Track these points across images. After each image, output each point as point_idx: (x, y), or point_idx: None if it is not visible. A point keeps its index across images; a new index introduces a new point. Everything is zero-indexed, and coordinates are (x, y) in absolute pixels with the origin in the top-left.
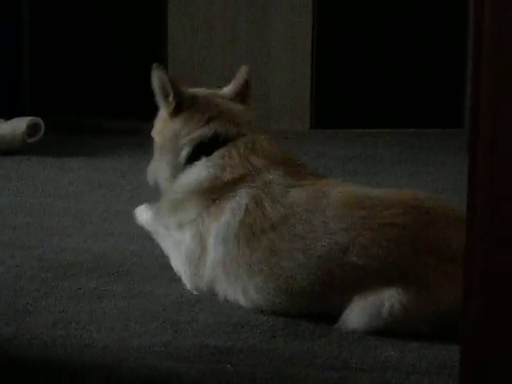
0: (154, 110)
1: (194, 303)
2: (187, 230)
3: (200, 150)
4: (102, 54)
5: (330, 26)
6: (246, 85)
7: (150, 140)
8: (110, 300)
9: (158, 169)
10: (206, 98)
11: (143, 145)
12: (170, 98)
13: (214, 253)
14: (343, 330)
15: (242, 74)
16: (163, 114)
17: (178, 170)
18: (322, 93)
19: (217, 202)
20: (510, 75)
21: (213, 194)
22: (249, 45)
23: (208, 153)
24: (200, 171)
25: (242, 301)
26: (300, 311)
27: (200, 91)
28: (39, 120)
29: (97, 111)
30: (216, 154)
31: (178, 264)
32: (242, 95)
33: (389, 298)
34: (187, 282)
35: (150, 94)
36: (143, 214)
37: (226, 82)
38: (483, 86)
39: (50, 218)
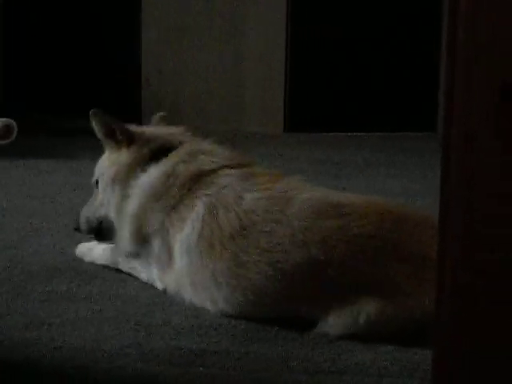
0: (132, 112)
1: (167, 306)
2: (153, 242)
3: (150, 161)
4: (77, 54)
5: (304, 29)
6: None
7: None
8: (82, 302)
9: (107, 202)
10: (143, 129)
11: None
12: (118, 135)
13: (179, 262)
14: (317, 333)
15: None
16: (112, 150)
17: (130, 184)
18: (295, 96)
19: (177, 209)
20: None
21: (169, 197)
22: (222, 48)
23: (157, 160)
24: (151, 173)
25: (209, 308)
26: (270, 318)
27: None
28: (12, 122)
29: (73, 111)
30: (164, 159)
31: (149, 270)
32: None
33: (365, 306)
34: (158, 284)
35: (131, 95)
36: (91, 251)
37: (199, 85)
38: (456, 88)
39: (23, 219)
